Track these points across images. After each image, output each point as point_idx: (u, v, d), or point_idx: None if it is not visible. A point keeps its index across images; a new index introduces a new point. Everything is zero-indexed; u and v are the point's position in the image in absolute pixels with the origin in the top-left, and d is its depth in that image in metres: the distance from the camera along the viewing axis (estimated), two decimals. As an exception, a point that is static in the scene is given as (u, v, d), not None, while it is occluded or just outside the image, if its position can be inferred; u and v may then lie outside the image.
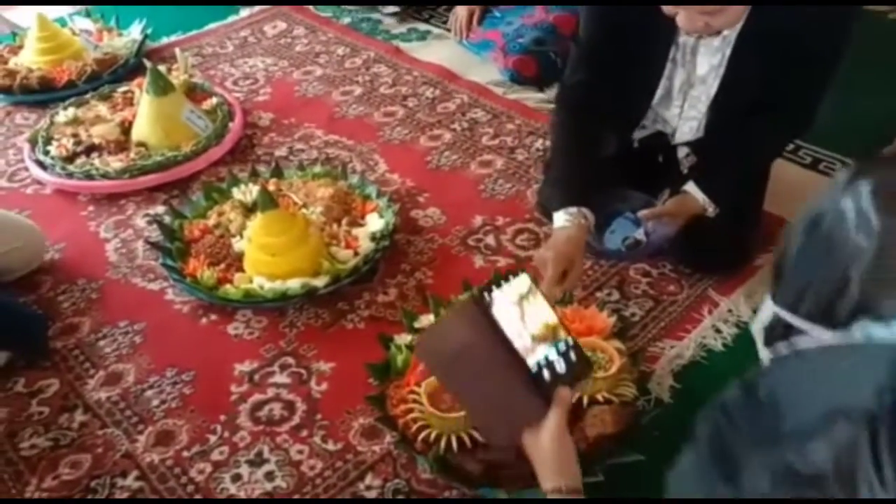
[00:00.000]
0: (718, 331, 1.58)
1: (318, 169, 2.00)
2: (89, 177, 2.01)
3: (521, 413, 1.03)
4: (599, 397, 1.33)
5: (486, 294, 1.01)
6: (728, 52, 1.48)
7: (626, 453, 1.28)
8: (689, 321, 1.60)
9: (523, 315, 1.03)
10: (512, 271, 1.01)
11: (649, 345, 1.55)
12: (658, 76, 1.56)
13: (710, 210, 1.59)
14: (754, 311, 1.61)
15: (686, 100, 1.58)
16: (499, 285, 1.04)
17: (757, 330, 0.78)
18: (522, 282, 1.06)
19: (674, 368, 1.51)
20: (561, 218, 1.48)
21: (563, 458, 1.03)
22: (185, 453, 1.39)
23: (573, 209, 1.48)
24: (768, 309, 0.75)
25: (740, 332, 1.57)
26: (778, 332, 0.73)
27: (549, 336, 1.06)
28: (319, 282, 1.64)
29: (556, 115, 1.67)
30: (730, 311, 1.62)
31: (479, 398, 1.02)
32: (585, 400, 1.32)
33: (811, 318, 0.69)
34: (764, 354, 0.76)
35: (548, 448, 1.02)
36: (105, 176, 2.00)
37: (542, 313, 1.06)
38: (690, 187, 1.59)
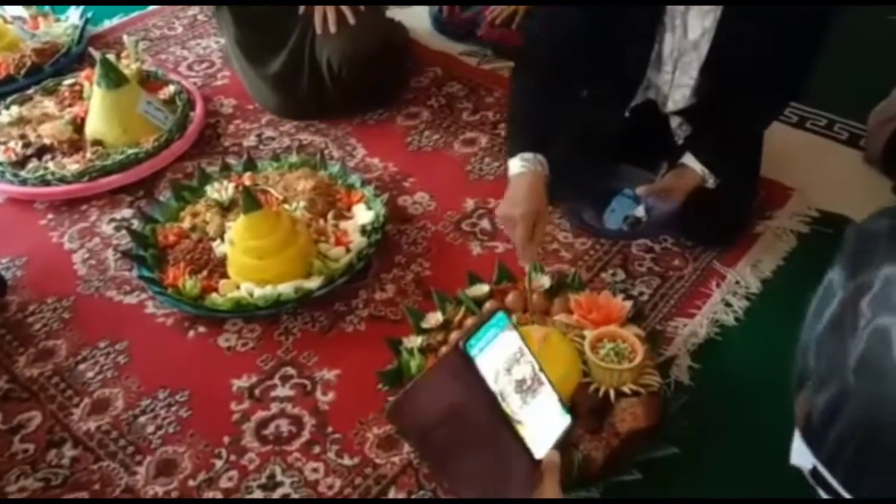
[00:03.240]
0: (729, 304, 1.54)
1: (294, 158, 1.89)
2: (45, 182, 1.86)
3: (515, 484, 0.90)
4: (626, 389, 1.28)
5: (468, 344, 0.89)
6: (720, 12, 1.42)
7: (661, 447, 1.23)
8: (698, 296, 1.56)
9: (505, 361, 0.90)
10: (489, 312, 0.91)
11: (661, 325, 1.51)
12: (650, 41, 1.49)
13: (711, 181, 1.54)
14: (762, 282, 1.58)
15: (677, 67, 1.52)
16: (477, 330, 0.93)
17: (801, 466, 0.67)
18: (499, 319, 0.95)
19: (690, 348, 1.47)
20: (517, 165, 1.40)
21: None
22: (191, 482, 1.30)
23: (528, 154, 1.39)
24: (803, 454, 0.65)
25: (751, 305, 1.54)
26: (822, 480, 0.62)
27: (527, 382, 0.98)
28: (313, 283, 1.55)
29: (516, 71, 1.55)
30: (737, 282, 1.58)
31: (468, 469, 0.88)
32: (612, 394, 1.27)
33: (852, 486, 0.58)
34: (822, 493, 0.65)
35: None
36: (62, 180, 1.85)
37: (524, 359, 0.93)
38: (688, 159, 1.54)
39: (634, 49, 1.53)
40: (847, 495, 0.60)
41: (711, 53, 1.47)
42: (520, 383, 0.94)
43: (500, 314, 0.93)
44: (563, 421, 0.94)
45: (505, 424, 0.88)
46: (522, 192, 1.36)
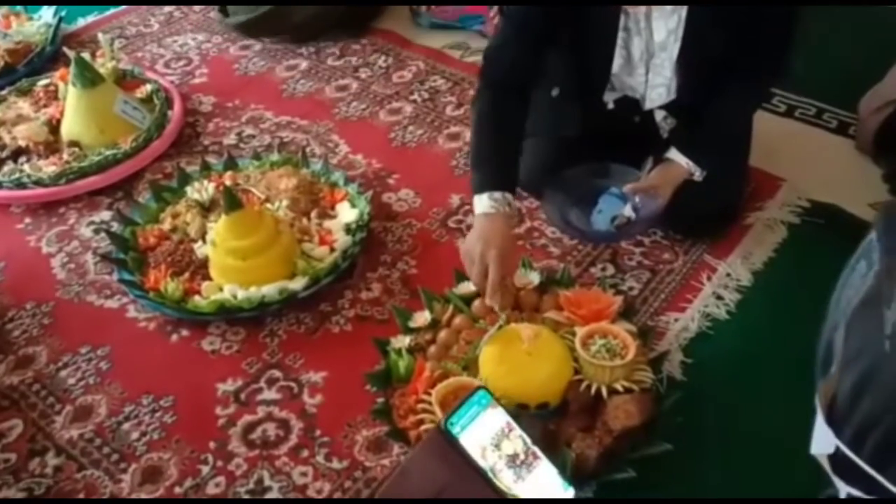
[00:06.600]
0: (720, 297, 1.53)
1: (275, 157, 1.85)
2: (20, 185, 1.82)
3: None
4: (619, 387, 1.26)
5: (450, 423, 0.92)
6: (684, 12, 1.40)
7: (655, 444, 1.22)
8: (688, 290, 1.55)
9: (492, 437, 0.97)
10: (470, 391, 0.93)
11: (652, 320, 1.49)
12: (611, 46, 1.47)
13: (697, 174, 1.52)
14: (753, 274, 1.57)
15: (649, 69, 1.50)
16: (457, 409, 0.96)
17: (819, 457, 0.68)
18: (481, 397, 0.98)
19: (681, 343, 1.45)
20: (485, 203, 1.36)
21: None
22: (178, 489, 1.28)
23: (497, 194, 1.36)
24: (825, 438, 0.65)
25: (742, 298, 1.52)
26: (845, 464, 0.63)
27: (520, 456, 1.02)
28: (297, 284, 1.52)
29: (483, 96, 1.49)
30: (728, 275, 1.56)
31: None
32: (605, 391, 1.26)
33: (881, 465, 0.59)
34: (840, 486, 0.67)
35: None
36: (38, 183, 1.81)
37: (513, 433, 1.00)
38: (673, 154, 1.52)
39: (597, 51, 1.50)
40: (874, 473, 0.60)
41: (682, 52, 1.45)
42: (512, 458, 1.01)
43: (482, 392, 1.01)
44: (565, 495, 0.98)
45: (499, 500, 0.93)
46: (497, 233, 1.33)
